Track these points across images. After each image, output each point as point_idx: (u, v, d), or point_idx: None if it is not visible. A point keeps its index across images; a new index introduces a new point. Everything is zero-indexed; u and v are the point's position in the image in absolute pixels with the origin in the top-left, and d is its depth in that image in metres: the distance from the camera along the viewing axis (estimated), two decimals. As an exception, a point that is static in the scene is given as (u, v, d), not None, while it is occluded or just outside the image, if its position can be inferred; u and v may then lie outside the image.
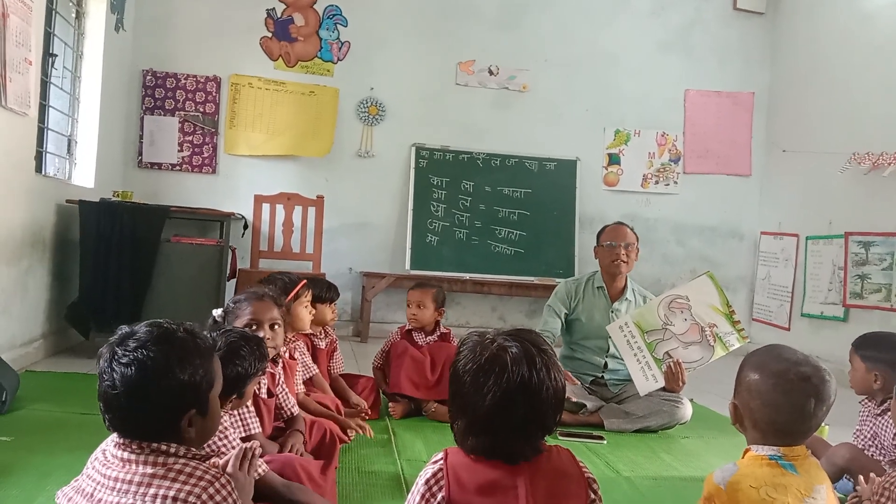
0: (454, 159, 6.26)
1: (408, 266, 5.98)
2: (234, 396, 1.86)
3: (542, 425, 1.33)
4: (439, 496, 1.29)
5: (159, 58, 5.83)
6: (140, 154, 5.78)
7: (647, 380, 3.30)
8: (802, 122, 6.24)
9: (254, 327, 2.25)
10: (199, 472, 1.28)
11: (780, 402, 1.53)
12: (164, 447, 1.30)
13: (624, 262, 3.62)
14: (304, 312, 2.83)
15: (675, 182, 6.64)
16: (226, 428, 1.79)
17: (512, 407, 1.28)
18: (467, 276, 5.96)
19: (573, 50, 6.47)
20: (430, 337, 3.57)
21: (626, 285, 3.73)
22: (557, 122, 6.43)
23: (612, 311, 3.65)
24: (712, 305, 3.29)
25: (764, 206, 6.65)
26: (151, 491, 1.24)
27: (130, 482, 1.26)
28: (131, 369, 1.28)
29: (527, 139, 6.37)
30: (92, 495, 1.29)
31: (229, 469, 1.46)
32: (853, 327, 5.07)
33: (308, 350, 3.14)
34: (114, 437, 1.34)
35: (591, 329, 3.68)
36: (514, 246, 6.26)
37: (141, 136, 5.79)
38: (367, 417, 3.14)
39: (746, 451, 1.58)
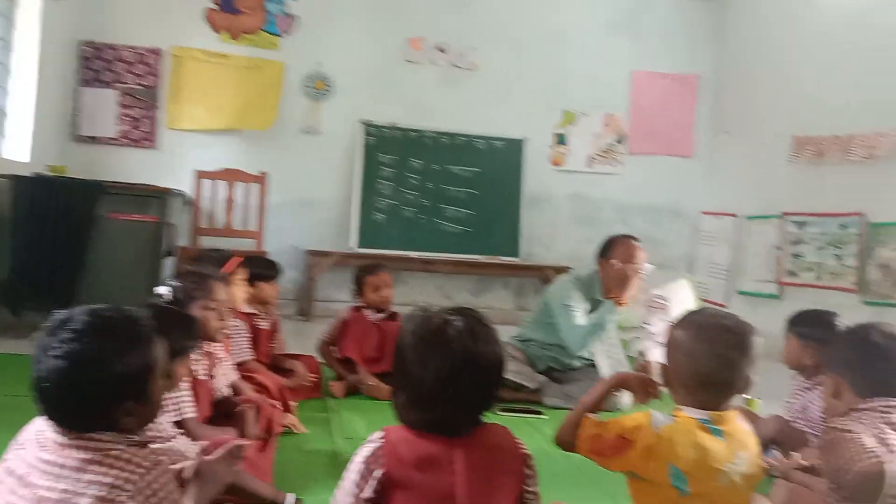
0: (403, 137, 6.22)
1: (354, 244, 5.94)
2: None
3: (483, 398, 1.36)
4: (377, 472, 1.29)
5: (98, 28, 5.62)
6: (76, 127, 5.58)
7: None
8: (745, 105, 6.37)
9: (213, 307, 2.22)
10: (136, 459, 1.25)
11: (703, 352, 1.54)
12: (97, 436, 1.27)
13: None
14: (238, 290, 2.77)
15: (620, 162, 6.73)
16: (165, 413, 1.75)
17: (455, 380, 1.31)
18: (415, 254, 5.95)
19: (523, 29, 6.46)
20: (380, 314, 3.59)
21: None
22: (506, 102, 6.43)
23: None
24: (688, 308, 3.30)
25: (705, 187, 6.79)
26: (87, 477, 1.21)
27: (65, 466, 1.22)
28: (64, 362, 1.23)
29: (476, 118, 6.35)
30: (24, 478, 1.25)
31: (213, 460, 1.43)
32: (787, 304, 5.23)
33: (249, 330, 3.09)
34: (45, 424, 1.29)
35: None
36: (462, 224, 6.27)
37: (77, 110, 5.58)
38: (309, 384, 3.15)
39: (676, 411, 1.60)
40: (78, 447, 1.25)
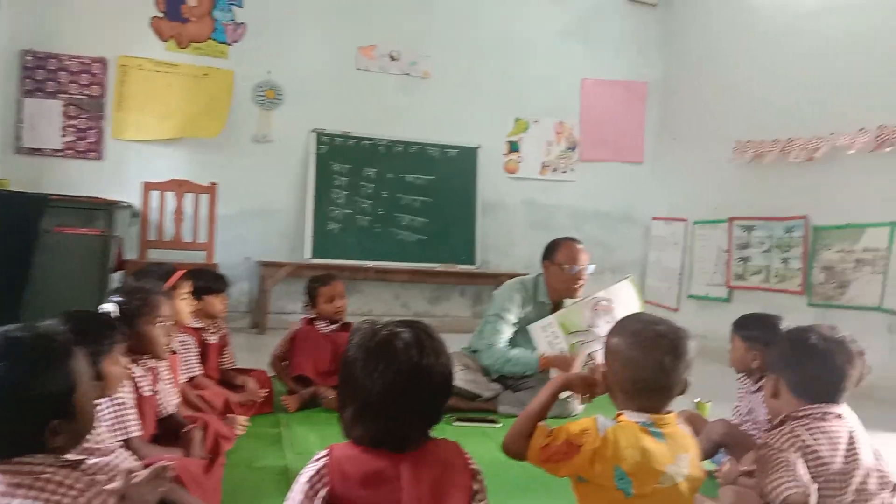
0: (356, 145, 6.19)
1: (308, 254, 5.88)
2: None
3: (430, 412, 1.35)
4: (322, 492, 1.27)
5: (40, 37, 5.47)
6: (19, 139, 5.42)
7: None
8: (692, 111, 6.51)
9: (160, 322, 2.18)
10: (69, 481, 1.22)
11: (639, 359, 1.58)
12: (27, 460, 1.22)
13: (581, 287, 3.48)
14: (183, 305, 2.72)
15: (572, 169, 6.81)
16: (100, 431, 1.71)
17: (401, 393, 1.30)
18: (370, 263, 5.92)
19: (475, 37, 6.50)
20: (332, 326, 3.55)
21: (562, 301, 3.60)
22: (459, 110, 6.45)
23: None
24: (632, 309, 3.33)
25: (655, 192, 6.91)
26: (16, 502, 1.17)
27: None
28: None
29: (429, 126, 6.36)
30: None
31: (139, 482, 1.39)
32: (736, 307, 5.34)
33: (197, 345, 3.04)
34: None
35: (523, 340, 3.57)
36: (417, 233, 6.27)
37: (20, 120, 5.42)
38: (259, 400, 3.12)
39: (619, 415, 1.63)
40: (5, 472, 1.20)
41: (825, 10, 5.13)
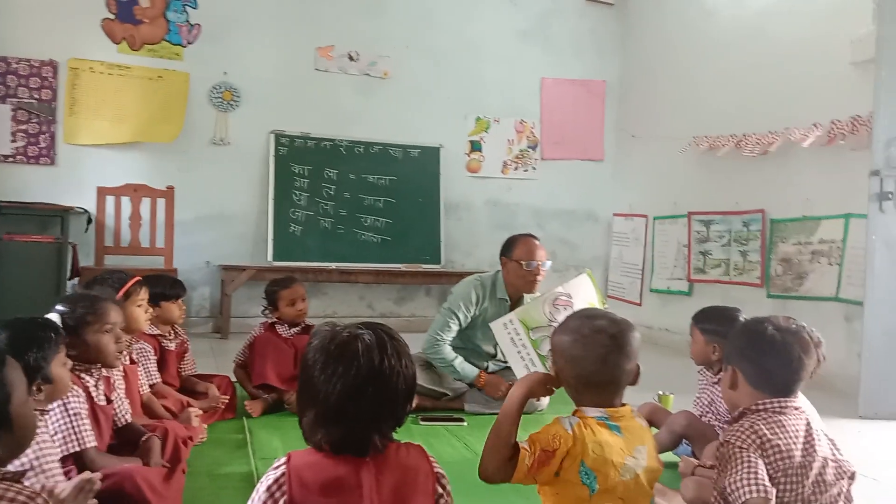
0: (316, 147, 6.13)
1: (270, 257, 5.81)
2: (38, 381, 1.63)
3: (392, 414, 1.32)
4: (281, 501, 1.24)
5: (-14, 40, 5.32)
6: (-34, 145, 5.26)
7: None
8: (650, 109, 6.59)
9: (108, 330, 2.11)
10: (9, 495, 1.15)
11: (580, 356, 1.61)
12: None
13: (538, 282, 3.50)
14: (140, 312, 2.66)
15: (534, 168, 6.84)
16: (44, 441, 1.65)
17: (362, 395, 1.27)
18: (333, 265, 5.88)
19: (434, 37, 6.49)
20: (293, 329, 3.50)
21: (522, 297, 3.60)
22: (420, 110, 6.44)
23: None
24: (591, 302, 3.34)
25: (616, 189, 6.98)
26: None
27: None
28: None
29: (390, 126, 6.33)
30: None
31: (63, 497, 1.33)
32: (697, 300, 5.42)
33: (156, 353, 2.97)
34: None
35: (485, 338, 3.59)
36: (381, 233, 6.23)
37: (-34, 126, 5.26)
38: (221, 406, 3.09)
39: (576, 411, 1.64)
40: None
41: (777, 10, 5.23)
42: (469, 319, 3.57)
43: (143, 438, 2.22)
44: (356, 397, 1.27)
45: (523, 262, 3.47)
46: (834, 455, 1.75)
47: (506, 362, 3.45)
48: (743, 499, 1.59)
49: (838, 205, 4.61)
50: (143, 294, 2.68)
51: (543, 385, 1.69)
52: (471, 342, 3.65)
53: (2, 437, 1.23)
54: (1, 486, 1.16)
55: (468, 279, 3.67)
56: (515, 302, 3.58)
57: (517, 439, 1.60)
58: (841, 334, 4.45)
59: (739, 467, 1.63)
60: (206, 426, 2.84)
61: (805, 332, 1.78)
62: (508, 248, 3.57)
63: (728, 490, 1.63)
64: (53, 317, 2.01)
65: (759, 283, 5.17)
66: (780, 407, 1.73)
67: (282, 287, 3.49)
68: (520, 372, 3.24)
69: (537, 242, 3.54)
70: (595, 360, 1.59)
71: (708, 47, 5.89)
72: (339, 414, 1.27)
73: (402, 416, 1.34)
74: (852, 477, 1.76)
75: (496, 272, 3.65)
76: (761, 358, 1.76)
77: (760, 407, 1.74)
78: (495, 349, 3.65)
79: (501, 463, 1.58)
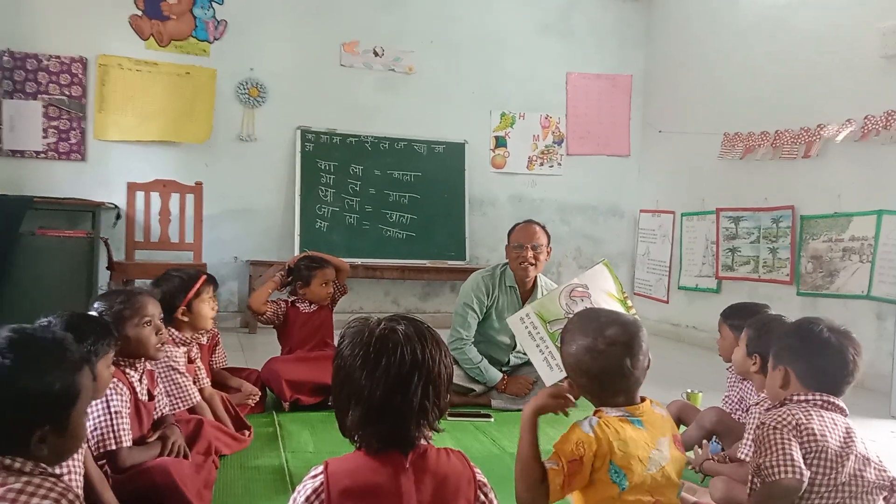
0: (342, 142, 6.15)
1: (297, 253, 5.83)
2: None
3: (436, 404, 1.29)
4: None
5: (18, 37, 5.38)
6: (0, 141, 5.36)
7: (550, 370, 3.20)
8: (676, 103, 6.52)
9: (147, 323, 2.14)
10: (43, 490, 1.16)
11: (600, 369, 1.62)
12: (7, 461, 1.18)
13: (532, 264, 3.52)
14: (207, 309, 2.74)
15: (559, 163, 6.81)
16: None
17: (408, 387, 1.25)
18: (359, 261, 5.89)
19: (458, 32, 6.48)
20: (313, 306, 3.64)
21: (535, 284, 3.66)
22: (444, 105, 6.43)
23: None
24: (608, 292, 3.31)
25: (642, 185, 6.92)
26: None
27: None
28: None
29: (415, 122, 6.34)
30: None
31: None
32: (725, 298, 5.36)
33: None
34: None
35: (501, 328, 3.62)
36: (406, 229, 6.24)
37: (0, 122, 5.35)
38: (254, 402, 3.15)
39: (597, 411, 1.64)
40: None
41: (804, 6, 5.15)
42: (483, 310, 3.61)
43: (160, 430, 2.23)
44: (402, 390, 1.25)
45: (514, 245, 3.55)
46: (879, 460, 1.74)
47: (526, 354, 3.45)
48: (777, 477, 1.60)
49: (870, 201, 4.53)
50: (210, 291, 2.74)
51: (556, 399, 1.66)
52: (487, 334, 3.67)
53: (53, 440, 1.24)
54: (35, 480, 1.17)
55: (473, 274, 3.75)
56: (522, 289, 3.64)
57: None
58: (872, 333, 4.39)
59: (776, 447, 1.64)
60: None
61: (852, 334, 1.79)
62: (508, 235, 3.66)
63: (763, 468, 1.63)
64: (91, 314, 2.02)
65: (789, 281, 5.10)
66: (823, 401, 1.73)
67: (320, 266, 3.60)
68: (539, 365, 3.21)
69: (534, 227, 3.58)
70: (615, 371, 1.61)
71: (734, 40, 5.81)
72: (385, 408, 1.25)
73: (446, 406, 1.32)
74: (893, 486, 1.74)
75: (504, 263, 3.70)
76: (817, 358, 1.76)
77: (803, 398, 1.74)
78: (512, 340, 3.65)
79: (534, 484, 1.56)
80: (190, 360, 2.70)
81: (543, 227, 3.61)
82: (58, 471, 1.34)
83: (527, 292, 3.66)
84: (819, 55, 4.96)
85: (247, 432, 2.76)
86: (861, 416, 3.56)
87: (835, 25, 4.87)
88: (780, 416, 1.69)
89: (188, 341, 2.68)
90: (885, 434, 3.43)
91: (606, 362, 1.61)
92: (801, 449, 1.64)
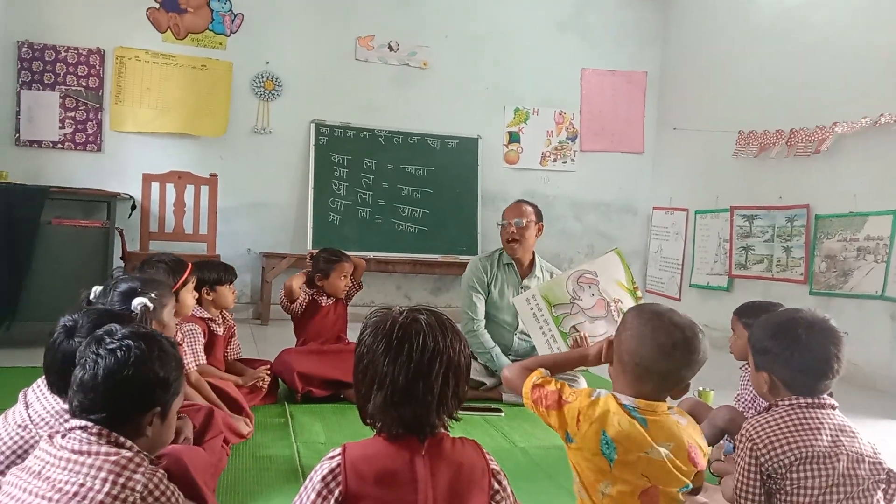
0: (355, 136, 6.17)
1: (309, 246, 5.87)
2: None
3: (455, 393, 1.33)
4: (336, 492, 1.25)
5: (36, 28, 5.44)
6: (17, 131, 5.40)
7: (551, 352, 3.28)
8: (691, 101, 6.49)
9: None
10: (144, 465, 1.38)
11: (646, 336, 1.60)
12: (121, 440, 1.38)
13: (515, 240, 3.62)
14: (190, 298, 2.74)
15: (573, 160, 6.79)
16: None
17: (430, 375, 1.28)
18: (371, 254, 5.90)
19: (473, 27, 6.47)
20: (330, 299, 3.66)
21: (534, 262, 3.74)
22: (458, 100, 6.44)
23: (522, 288, 3.65)
24: (618, 281, 3.32)
25: (656, 182, 6.90)
26: (102, 475, 1.32)
27: (83, 463, 1.33)
28: (117, 355, 1.40)
29: (429, 117, 6.35)
30: (40, 473, 1.33)
31: None
32: (737, 296, 5.34)
33: (204, 336, 3.03)
34: (74, 422, 1.40)
35: (502, 306, 3.69)
36: (418, 224, 6.26)
37: (18, 112, 5.40)
38: (262, 383, 3.19)
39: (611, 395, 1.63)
40: (100, 444, 1.36)
41: (822, 3, 5.11)
42: (486, 289, 3.70)
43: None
44: (424, 377, 1.28)
45: (500, 222, 3.71)
46: (874, 452, 1.74)
47: (530, 337, 3.47)
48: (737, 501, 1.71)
49: (886, 201, 4.50)
50: (193, 280, 2.76)
51: (597, 357, 1.76)
52: (489, 313, 3.72)
53: (157, 424, 1.45)
54: (137, 458, 1.37)
55: (472, 258, 3.89)
56: (519, 266, 3.74)
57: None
58: (886, 333, 4.35)
59: (740, 467, 1.72)
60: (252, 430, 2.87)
61: (832, 323, 1.78)
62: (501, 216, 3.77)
63: (734, 486, 1.74)
64: (143, 300, 1.99)
65: (803, 280, 5.07)
66: (808, 403, 1.74)
67: (341, 259, 3.63)
68: (541, 347, 3.23)
69: (521, 205, 3.70)
70: (665, 375, 1.59)
71: (750, 38, 5.77)
72: (407, 394, 1.27)
73: (464, 396, 1.35)
74: (890, 478, 1.74)
75: (500, 247, 3.82)
76: (796, 363, 1.75)
77: (787, 402, 1.75)
78: (514, 319, 3.70)
79: (521, 369, 1.74)
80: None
81: (534, 206, 3.72)
82: None
83: (525, 270, 3.76)
84: (835, 54, 4.92)
85: (247, 420, 2.77)
86: (873, 418, 3.55)
87: (850, 24, 4.83)
88: (753, 428, 1.74)
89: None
90: (897, 435, 3.41)
91: (656, 333, 1.58)
92: (775, 462, 1.68)
